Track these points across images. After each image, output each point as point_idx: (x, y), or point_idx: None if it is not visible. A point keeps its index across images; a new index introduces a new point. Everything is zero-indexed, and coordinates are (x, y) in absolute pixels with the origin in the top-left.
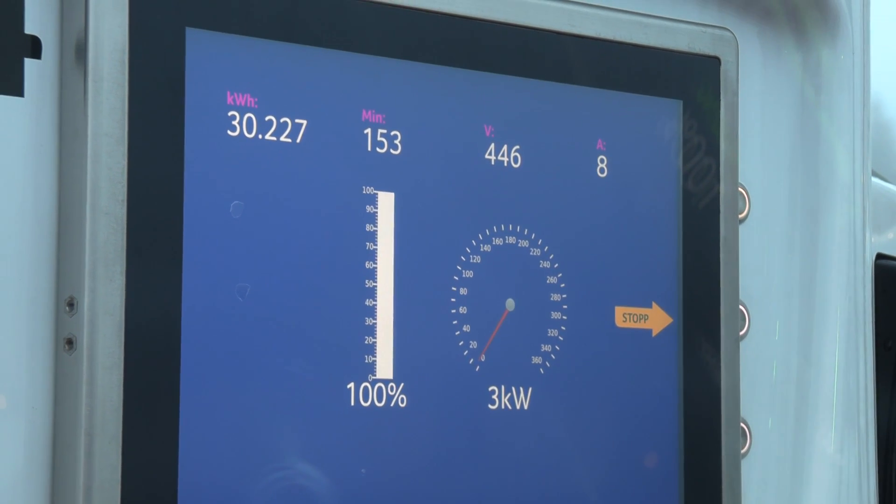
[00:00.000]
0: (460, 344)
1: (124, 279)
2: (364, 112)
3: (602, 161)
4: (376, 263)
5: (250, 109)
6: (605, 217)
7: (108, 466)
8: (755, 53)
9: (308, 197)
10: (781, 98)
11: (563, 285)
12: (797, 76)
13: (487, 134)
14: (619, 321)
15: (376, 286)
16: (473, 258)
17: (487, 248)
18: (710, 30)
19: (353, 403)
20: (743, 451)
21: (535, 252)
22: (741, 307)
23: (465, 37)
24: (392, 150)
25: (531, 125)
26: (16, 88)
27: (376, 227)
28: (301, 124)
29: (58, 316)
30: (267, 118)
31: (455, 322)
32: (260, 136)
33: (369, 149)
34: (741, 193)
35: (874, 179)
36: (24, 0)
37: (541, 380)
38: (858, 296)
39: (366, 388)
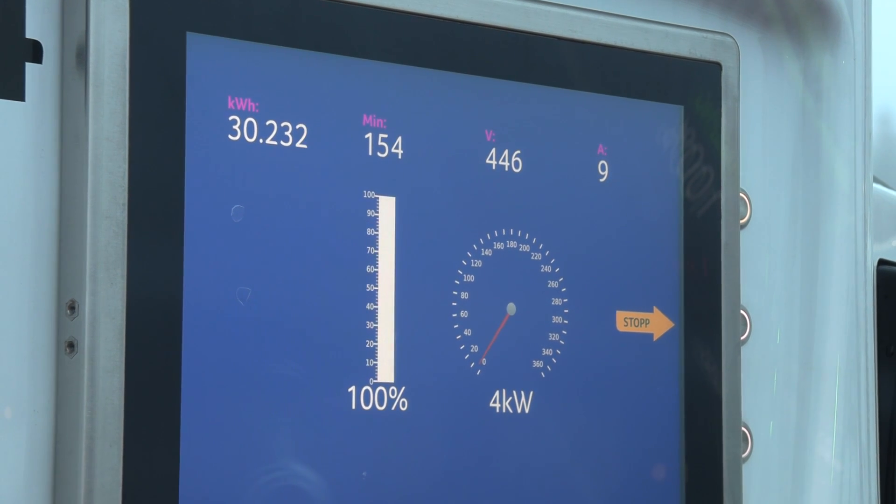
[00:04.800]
0: (461, 348)
1: (125, 282)
2: (365, 116)
3: (603, 166)
4: (377, 267)
5: (251, 114)
6: (606, 222)
7: (109, 470)
8: (756, 59)
9: (309, 201)
10: (782, 104)
11: (564, 290)
12: (798, 82)
13: (488, 138)
14: (621, 325)
15: (377, 290)
16: (474, 262)
17: (488, 252)
18: (711, 36)
19: (354, 407)
20: (744, 455)
21: (536, 256)
22: (742, 312)
23: (466, 42)
24: (393, 155)
25: (532, 130)
26: (17, 93)
27: (377, 231)
28: (302, 129)
29: (59, 319)
30: (268, 122)
31: (456, 326)
32: (261, 141)
33: (370, 153)
34: (742, 199)
35: (877, 186)
36: (24, 5)
37: (542, 384)
38: (860, 302)
39: (367, 392)
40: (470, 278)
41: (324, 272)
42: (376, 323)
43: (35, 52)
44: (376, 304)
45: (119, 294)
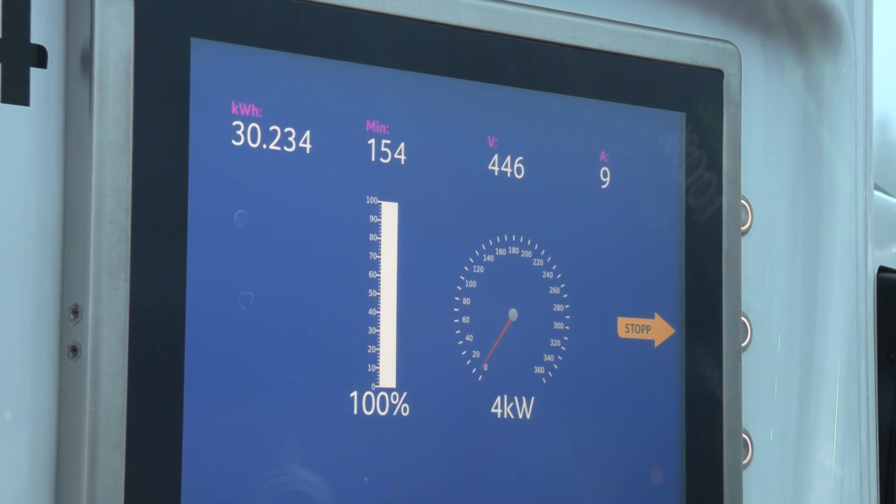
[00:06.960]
0: (463, 353)
1: (128, 287)
2: (368, 122)
3: (605, 173)
4: (379, 273)
5: (254, 119)
6: (607, 228)
7: (111, 474)
8: (758, 66)
9: (312, 206)
10: (784, 111)
11: (565, 296)
12: (799, 89)
13: (491, 145)
14: (622, 332)
15: (379, 295)
16: (476, 268)
17: (490, 258)
18: (713, 43)
19: (356, 412)
20: (744, 462)
21: (538, 262)
22: (743, 319)
23: (469, 48)
24: (396, 161)
25: (534, 136)
26: (21, 98)
27: (380, 236)
28: (305, 134)
29: (62, 323)
30: (271, 128)
31: (458, 332)
32: (264, 146)
33: (373, 159)
34: (744, 206)
35: (878, 194)
36: (30, 10)
37: (543, 389)
38: (860, 309)
39: (369, 397)
40: (472, 284)
41: (326, 277)
42: (378, 328)
43: (40, 57)
44: (378, 310)
45: (122, 298)
